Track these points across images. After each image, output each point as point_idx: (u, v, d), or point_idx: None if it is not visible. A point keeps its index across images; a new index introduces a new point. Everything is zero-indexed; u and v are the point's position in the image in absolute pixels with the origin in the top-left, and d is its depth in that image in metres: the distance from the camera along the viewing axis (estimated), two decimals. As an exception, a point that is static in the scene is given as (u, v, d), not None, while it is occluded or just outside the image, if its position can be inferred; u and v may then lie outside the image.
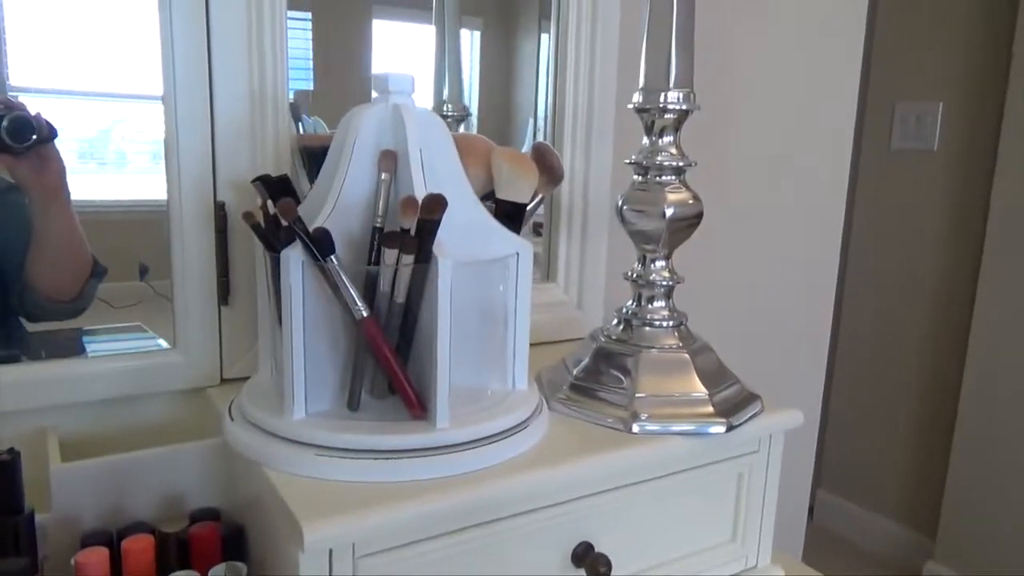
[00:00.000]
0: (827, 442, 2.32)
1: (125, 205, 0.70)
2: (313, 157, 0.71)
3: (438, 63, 0.88)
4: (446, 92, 0.89)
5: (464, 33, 0.89)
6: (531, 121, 0.90)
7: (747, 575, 0.68)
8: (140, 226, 0.70)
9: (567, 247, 0.84)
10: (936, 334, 2.10)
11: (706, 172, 0.71)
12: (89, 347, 0.66)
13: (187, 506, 0.58)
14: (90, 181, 0.67)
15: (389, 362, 0.52)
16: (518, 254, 0.58)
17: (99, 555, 0.48)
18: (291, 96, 0.74)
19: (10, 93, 0.63)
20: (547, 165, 0.61)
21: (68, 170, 0.64)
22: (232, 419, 0.55)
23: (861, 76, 1.21)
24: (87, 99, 0.67)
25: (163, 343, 0.67)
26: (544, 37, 0.85)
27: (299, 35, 0.73)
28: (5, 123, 0.60)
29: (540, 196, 0.63)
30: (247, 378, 0.63)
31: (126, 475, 0.56)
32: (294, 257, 0.50)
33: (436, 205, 0.50)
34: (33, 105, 0.62)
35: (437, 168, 0.56)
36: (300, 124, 0.78)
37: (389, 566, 0.48)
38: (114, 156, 0.69)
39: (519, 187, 0.59)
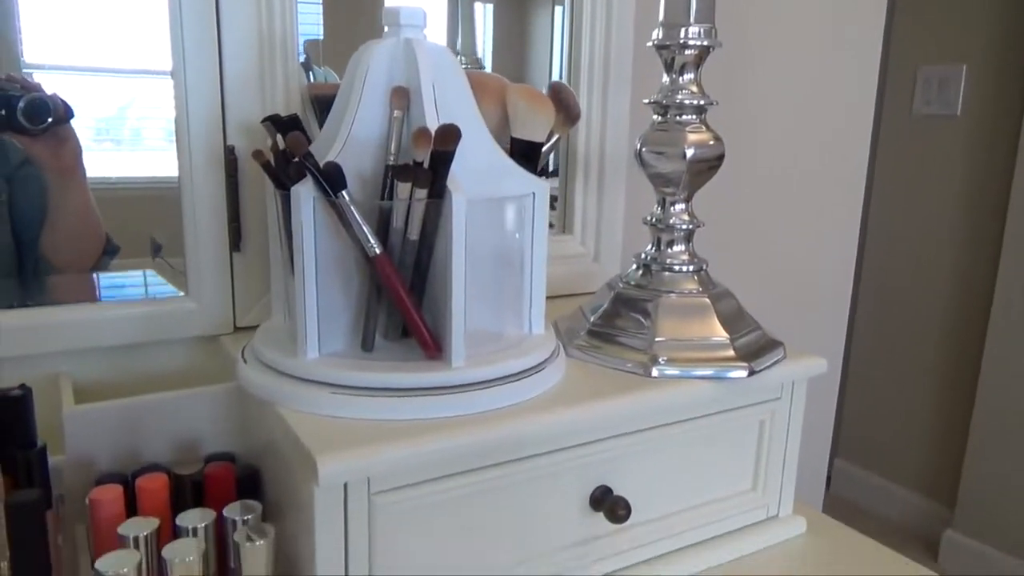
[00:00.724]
0: (845, 411, 2.30)
1: (140, 182, 0.70)
2: (324, 106, 0.69)
3: (451, 16, 0.86)
4: (459, 43, 0.88)
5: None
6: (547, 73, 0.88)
7: (769, 523, 0.67)
8: (155, 203, 0.70)
9: (583, 197, 0.82)
10: (958, 303, 2.06)
11: (727, 117, 0.69)
12: (102, 292, 0.66)
13: (202, 450, 0.58)
14: (106, 159, 0.67)
15: (403, 301, 0.51)
16: (534, 194, 0.56)
17: (114, 492, 0.47)
18: (302, 46, 0.73)
19: (25, 71, 0.62)
20: (564, 103, 0.60)
21: (84, 149, 0.64)
22: (245, 361, 0.55)
23: (883, 39, 1.18)
24: (102, 75, 0.66)
25: (176, 291, 0.66)
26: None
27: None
28: (22, 105, 0.60)
29: (556, 136, 0.62)
30: (257, 327, 0.63)
31: (140, 418, 0.56)
32: (305, 193, 0.49)
33: (450, 136, 0.49)
34: (48, 83, 0.62)
35: (450, 105, 0.54)
36: (311, 75, 0.76)
37: (404, 504, 0.48)
38: (129, 134, 0.69)
39: (535, 125, 0.57)
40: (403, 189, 0.50)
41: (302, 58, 0.74)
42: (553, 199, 0.86)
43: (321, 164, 0.49)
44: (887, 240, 2.20)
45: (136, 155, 0.69)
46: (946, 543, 2.04)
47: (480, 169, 0.54)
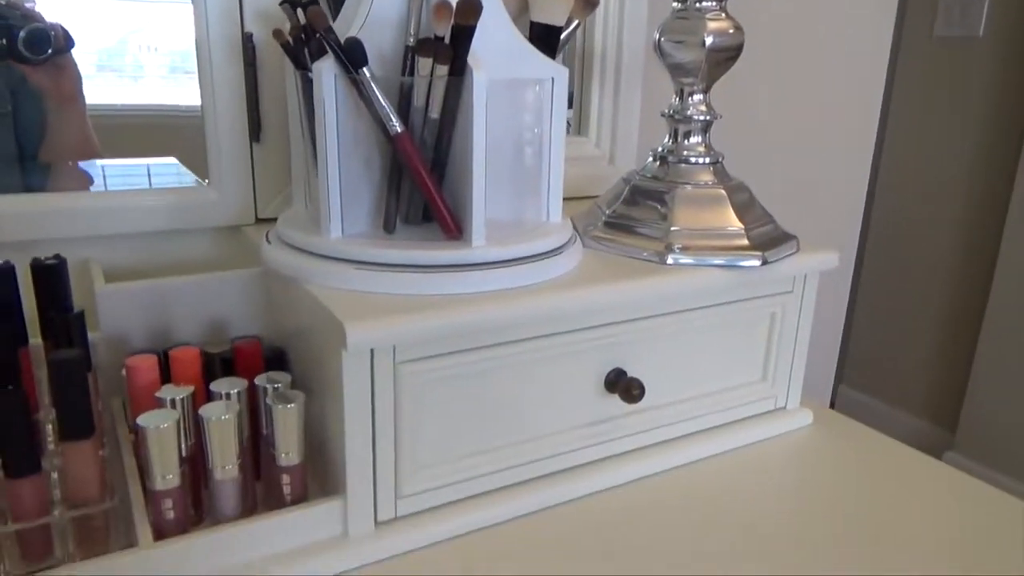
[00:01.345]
0: (851, 337, 2.32)
1: (142, 110, 0.70)
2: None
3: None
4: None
5: None
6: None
7: (776, 414, 0.69)
8: (156, 131, 0.70)
9: (599, 96, 0.82)
10: (969, 228, 2.06)
11: (747, 13, 0.68)
12: (123, 180, 0.67)
13: (229, 333, 0.60)
14: (107, 90, 0.67)
15: (424, 180, 0.52)
16: (553, 79, 0.56)
17: (149, 360, 0.49)
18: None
19: (26, 1, 0.61)
20: None
21: (85, 78, 0.65)
22: (270, 243, 0.56)
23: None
24: (105, 1, 0.65)
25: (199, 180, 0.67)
26: None
27: None
28: (23, 35, 0.60)
29: (576, 22, 0.61)
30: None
31: (170, 299, 0.58)
32: (327, 69, 0.49)
33: (471, 9, 0.49)
34: (50, 13, 0.61)
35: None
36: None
37: (427, 374, 0.49)
38: (131, 65, 0.68)
39: (554, 8, 0.57)
40: (424, 65, 0.50)
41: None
42: (568, 97, 0.86)
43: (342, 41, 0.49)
44: (902, 162, 2.18)
45: (138, 85, 0.69)
46: (947, 463, 2.09)
47: (500, 50, 0.53)
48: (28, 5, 0.62)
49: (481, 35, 0.50)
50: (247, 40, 0.63)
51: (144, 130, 0.70)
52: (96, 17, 0.65)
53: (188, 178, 0.67)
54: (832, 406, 1.54)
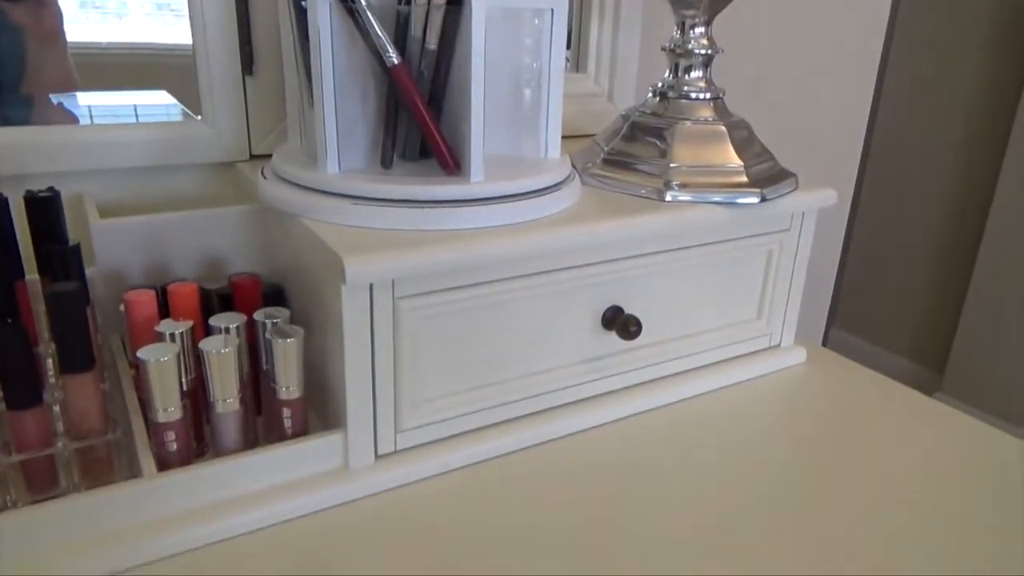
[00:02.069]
0: (843, 280, 2.34)
1: (126, 48, 0.68)
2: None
3: None
4: None
5: None
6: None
7: (771, 352, 0.70)
8: (141, 70, 0.68)
9: (598, 32, 0.80)
10: (964, 170, 2.05)
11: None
12: (113, 114, 0.65)
13: (227, 269, 0.60)
14: (90, 28, 0.65)
15: (421, 113, 0.51)
16: (552, 10, 0.55)
17: (147, 295, 0.49)
18: None
19: None
20: None
21: (66, 17, 0.63)
22: (265, 178, 0.55)
23: None
24: None
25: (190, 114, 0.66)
26: None
27: None
28: None
29: None
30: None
31: (166, 235, 0.57)
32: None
33: None
34: None
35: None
36: None
37: (427, 309, 0.50)
38: (116, 3, 0.66)
39: None
40: None
41: None
42: (568, 35, 0.84)
43: (336, -31, 0.48)
44: (899, 106, 2.16)
45: (122, 23, 0.67)
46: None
47: None
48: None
49: None
50: (237, -32, 0.61)
51: (131, 68, 0.68)
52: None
53: (177, 110, 0.66)
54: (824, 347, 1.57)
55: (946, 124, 2.07)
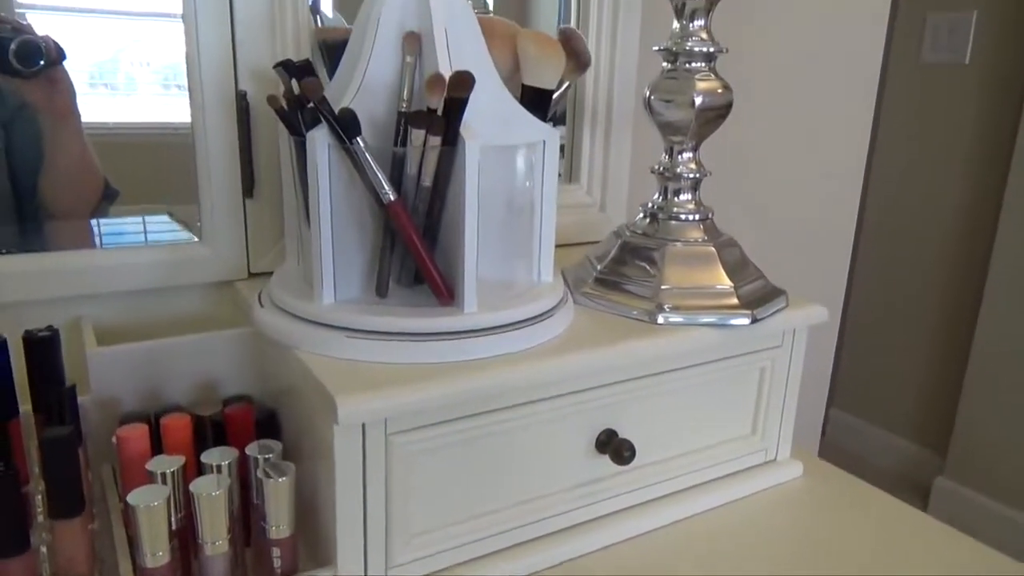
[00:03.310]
0: (842, 360, 2.33)
1: (138, 128, 0.70)
2: (332, 52, 0.69)
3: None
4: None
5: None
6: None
7: (767, 467, 0.69)
8: (153, 149, 0.70)
9: (590, 145, 0.82)
10: (958, 254, 2.07)
11: (732, 62, 0.69)
12: (117, 237, 0.67)
13: (220, 393, 0.60)
14: (101, 105, 0.67)
15: (416, 247, 0.52)
16: (544, 142, 0.57)
17: (140, 431, 0.49)
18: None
19: (17, 11, 0.61)
20: (574, 50, 0.60)
21: (78, 94, 0.64)
22: (262, 305, 0.56)
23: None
24: (97, 17, 0.65)
25: (191, 236, 0.67)
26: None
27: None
28: (13, 47, 0.59)
29: (567, 83, 0.62)
30: (272, 273, 0.64)
31: (161, 360, 0.58)
32: (320, 139, 0.50)
33: (464, 83, 0.49)
34: (41, 26, 0.61)
35: (462, 51, 0.54)
36: (319, 19, 0.76)
37: (420, 443, 0.50)
38: (124, 81, 0.68)
39: (545, 72, 0.58)
40: (417, 136, 0.50)
41: (310, 2, 0.73)
42: (560, 148, 0.86)
43: (336, 110, 0.50)
44: (890, 189, 2.20)
45: (131, 101, 0.69)
46: (937, 490, 2.09)
47: (491, 115, 0.54)
48: (19, 18, 0.61)
49: (473, 100, 0.51)
50: (241, 98, 0.63)
51: (143, 149, 0.70)
52: (88, 33, 0.64)
53: (180, 233, 0.68)
54: (823, 430, 1.56)
55: (938, 203, 2.11)
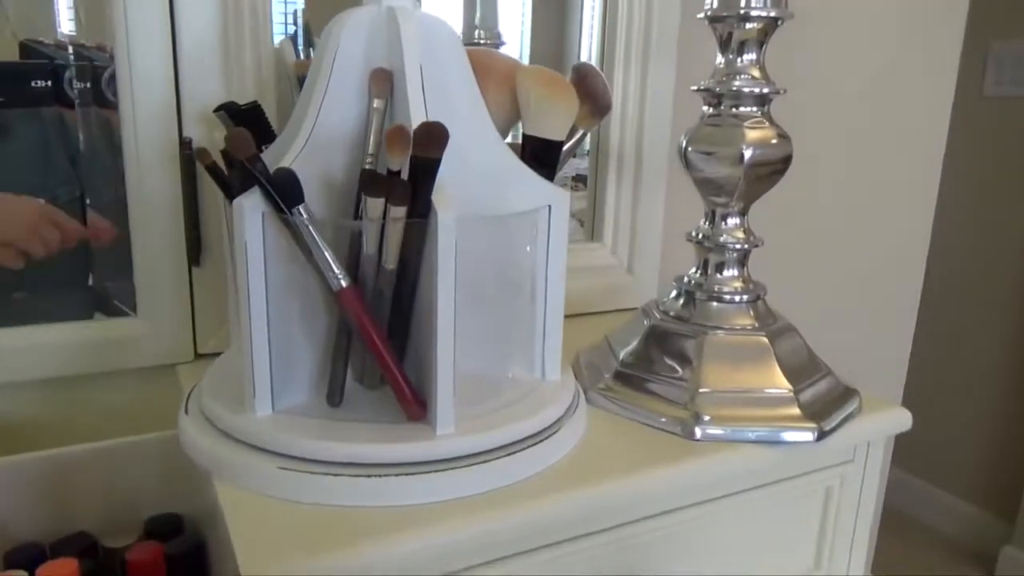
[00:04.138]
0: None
1: None
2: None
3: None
4: (478, 16, 0.75)
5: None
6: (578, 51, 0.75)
7: (831, 609, 0.55)
8: None
9: (616, 198, 0.70)
10: (1028, 302, 1.89)
11: (783, 105, 0.56)
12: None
13: (143, 513, 0.48)
14: None
15: (375, 346, 0.40)
16: (550, 207, 0.45)
17: (6, 587, 0.37)
18: (297, 15, 0.62)
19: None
20: (589, 91, 0.47)
21: None
22: (187, 412, 0.44)
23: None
24: None
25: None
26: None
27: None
28: (107, 75, 0.52)
29: (581, 132, 0.49)
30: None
31: (67, 474, 0.46)
32: (250, 207, 0.38)
33: (434, 138, 0.37)
34: None
35: (447, 92, 0.42)
36: (300, 52, 0.65)
37: (371, 618, 0.37)
38: None
39: (552, 119, 0.45)
40: (375, 206, 0.38)
41: (294, 30, 0.63)
42: (579, 184, 0.73)
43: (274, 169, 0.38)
44: (955, 236, 2.03)
45: None
46: (1004, 559, 1.90)
47: (482, 174, 0.42)
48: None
49: (458, 155, 0.39)
50: (185, 146, 0.52)
51: None
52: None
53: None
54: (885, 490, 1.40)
55: (1003, 255, 1.93)
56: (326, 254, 0.39)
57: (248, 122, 0.44)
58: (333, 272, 0.39)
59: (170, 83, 0.51)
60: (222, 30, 0.52)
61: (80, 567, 0.40)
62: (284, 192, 0.38)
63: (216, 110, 0.46)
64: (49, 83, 0.52)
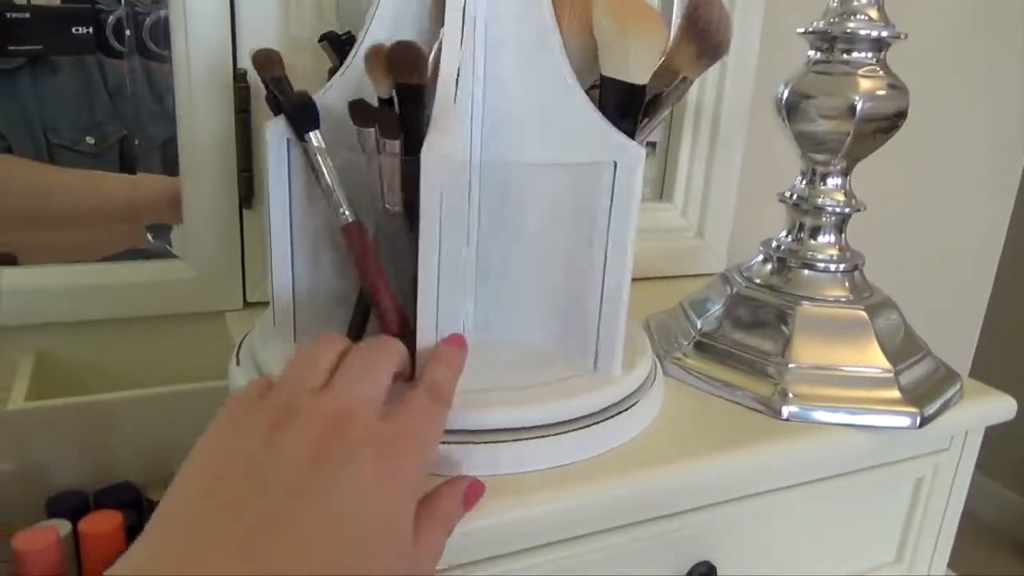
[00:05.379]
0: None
1: None
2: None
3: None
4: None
5: None
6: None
7: (910, 606, 0.51)
8: None
9: (690, 155, 0.65)
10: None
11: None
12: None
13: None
14: None
15: (372, 282, 0.36)
16: (616, 163, 0.37)
17: (45, 539, 0.35)
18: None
19: None
20: (700, 27, 0.41)
21: None
22: (239, 363, 0.41)
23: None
24: None
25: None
26: None
27: None
28: (148, 23, 0.49)
29: (683, 77, 0.43)
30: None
31: (110, 421, 0.44)
32: (276, 130, 0.35)
33: (407, 61, 0.33)
34: None
35: (501, 17, 0.37)
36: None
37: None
38: None
39: (632, 57, 0.38)
40: (367, 137, 0.34)
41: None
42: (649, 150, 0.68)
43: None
44: None
45: None
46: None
47: (539, 114, 0.37)
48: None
49: (515, 97, 0.34)
50: (240, 79, 0.49)
51: None
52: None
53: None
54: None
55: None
56: (332, 185, 0.35)
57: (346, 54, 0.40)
58: (341, 207, 0.35)
59: (226, 10, 0.47)
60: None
61: (124, 520, 0.38)
62: (298, 114, 0.34)
63: (321, 39, 0.42)
64: (91, 30, 0.49)
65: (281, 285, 0.37)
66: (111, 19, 0.49)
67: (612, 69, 0.40)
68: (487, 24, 0.36)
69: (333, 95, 0.37)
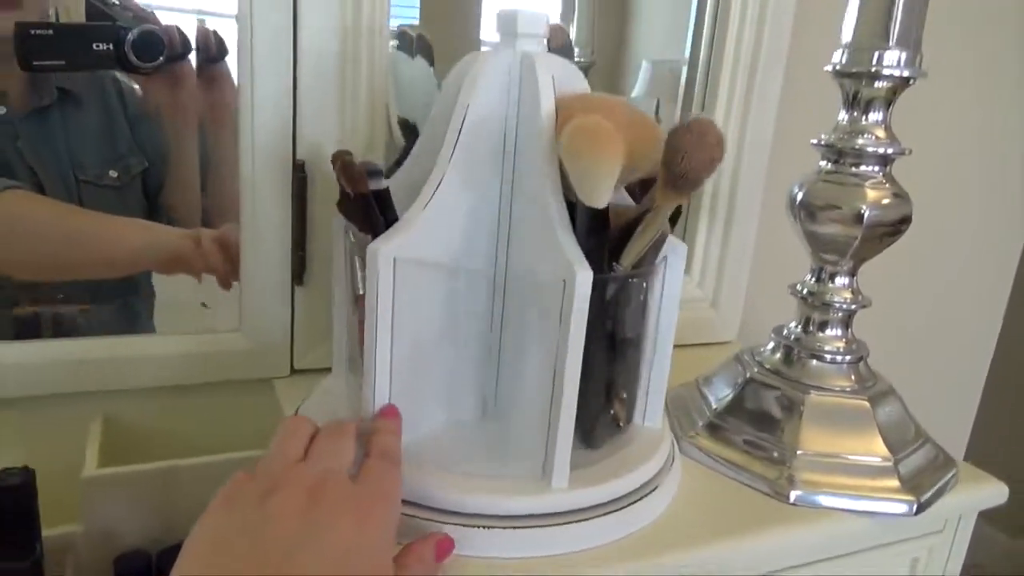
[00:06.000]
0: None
1: None
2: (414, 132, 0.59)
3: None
4: (573, 32, 0.74)
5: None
6: (647, 66, 0.73)
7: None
8: None
9: (707, 232, 0.69)
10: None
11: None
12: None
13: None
14: None
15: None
16: (564, 281, 0.37)
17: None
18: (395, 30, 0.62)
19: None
20: (667, 155, 0.38)
21: None
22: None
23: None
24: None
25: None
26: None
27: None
28: (131, 37, 0.50)
29: (656, 205, 0.39)
30: (320, 370, 0.54)
31: (171, 486, 0.48)
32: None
33: (355, 174, 0.39)
34: (167, 17, 0.52)
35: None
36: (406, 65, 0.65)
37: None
38: None
39: (586, 180, 0.37)
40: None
41: (394, 44, 0.63)
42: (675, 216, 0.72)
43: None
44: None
45: None
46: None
47: (522, 233, 0.42)
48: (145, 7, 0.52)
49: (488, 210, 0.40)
50: (298, 169, 0.53)
51: None
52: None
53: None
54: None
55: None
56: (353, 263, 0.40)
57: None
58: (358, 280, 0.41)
59: (287, 105, 0.52)
60: (340, 54, 0.52)
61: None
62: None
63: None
64: (111, 46, 0.49)
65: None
66: (130, 36, 0.50)
67: (571, 190, 0.39)
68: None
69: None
